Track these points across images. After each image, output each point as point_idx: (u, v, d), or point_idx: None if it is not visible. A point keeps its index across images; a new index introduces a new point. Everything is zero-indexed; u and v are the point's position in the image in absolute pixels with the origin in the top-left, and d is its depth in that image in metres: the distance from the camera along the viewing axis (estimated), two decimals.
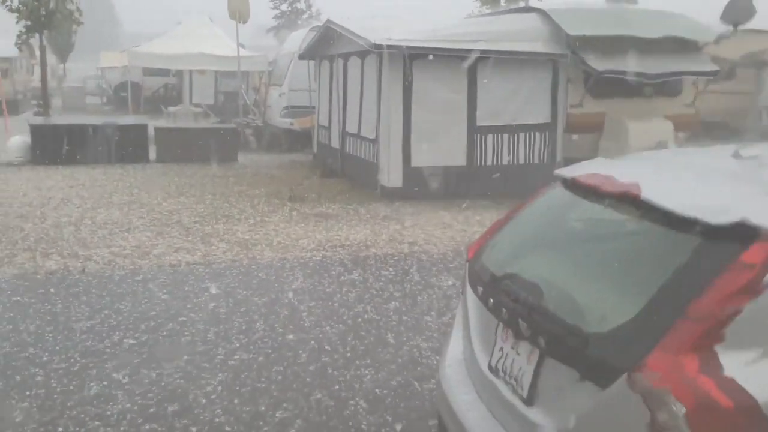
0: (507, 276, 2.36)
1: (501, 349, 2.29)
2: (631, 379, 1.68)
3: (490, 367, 2.33)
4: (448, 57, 9.48)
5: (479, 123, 9.95)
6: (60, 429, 3.50)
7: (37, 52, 17.92)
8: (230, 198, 9.76)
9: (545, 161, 10.18)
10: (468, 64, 9.60)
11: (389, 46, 9.31)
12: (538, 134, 10.31)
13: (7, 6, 15.81)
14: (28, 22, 16.05)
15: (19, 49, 18.47)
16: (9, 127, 16.00)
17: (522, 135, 10.22)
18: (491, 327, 2.38)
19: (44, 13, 15.98)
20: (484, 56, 9.59)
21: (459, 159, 9.94)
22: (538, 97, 10.21)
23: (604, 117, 10.32)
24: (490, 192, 9.39)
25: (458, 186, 9.72)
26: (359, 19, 11.94)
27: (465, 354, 2.60)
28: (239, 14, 15.75)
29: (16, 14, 16.00)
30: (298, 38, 16.15)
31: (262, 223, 8.25)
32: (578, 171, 2.44)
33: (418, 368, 4.28)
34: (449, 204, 9.26)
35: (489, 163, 10.08)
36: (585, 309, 2.01)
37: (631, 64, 9.66)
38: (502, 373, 2.25)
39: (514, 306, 2.20)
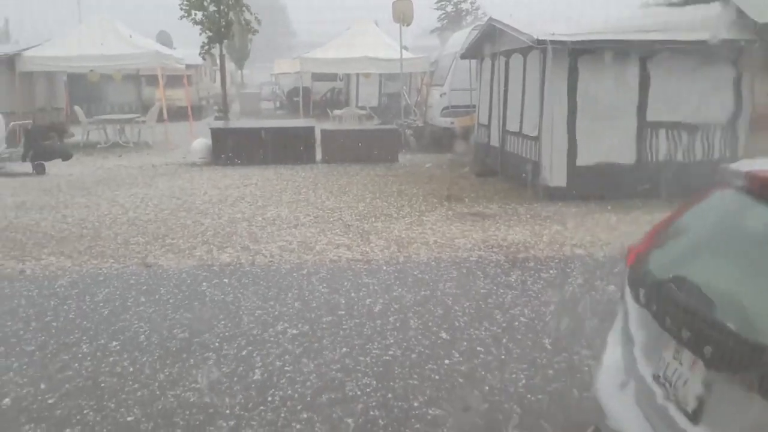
0: (671, 281, 2.17)
1: (663, 358, 2.11)
2: None
3: (651, 377, 2.16)
4: (616, 50, 9.03)
5: (650, 118, 9.39)
6: (227, 411, 3.72)
7: (218, 61, 19.32)
8: (389, 197, 9.95)
9: (726, 159, 9.39)
10: (639, 57, 9.09)
11: (553, 41, 9.03)
12: (718, 130, 9.54)
13: (191, 19, 17.21)
14: (210, 33, 17.35)
15: (203, 58, 20.02)
16: (194, 130, 17.43)
17: (699, 131, 9.51)
18: (653, 335, 2.20)
19: (224, 24, 17.20)
20: (657, 48, 9.03)
21: (628, 156, 9.43)
22: (719, 90, 9.43)
23: None
24: (663, 191, 8.80)
25: (627, 185, 9.21)
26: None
27: (624, 362, 2.44)
28: (403, 17, 16.01)
29: (199, 26, 17.37)
30: (461, 38, 16.14)
31: (419, 221, 8.32)
32: (753, 167, 2.20)
33: (577, 375, 4.09)
34: (617, 204, 8.82)
35: (661, 160, 9.48)
36: (758, 317, 1.80)
37: None
38: (664, 385, 2.07)
39: (678, 313, 2.02)
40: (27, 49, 17.36)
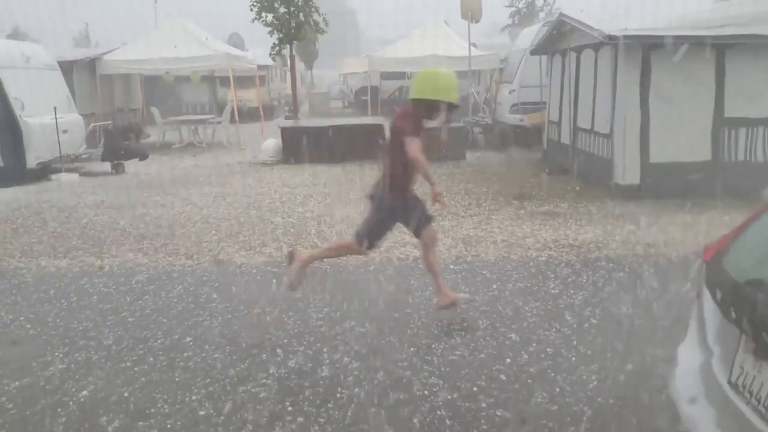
0: (751, 283, 2.07)
1: (742, 363, 2.02)
2: None
3: (729, 383, 2.07)
4: (691, 45, 8.71)
5: (727, 115, 9.01)
6: (296, 408, 3.76)
7: (289, 62, 19.63)
8: (456, 195, 9.88)
9: None
10: (715, 52, 8.75)
11: (625, 37, 8.79)
12: None
13: (262, 21, 17.54)
14: (281, 35, 17.65)
15: (273, 59, 20.38)
16: (265, 130, 17.77)
17: None
18: (731, 338, 2.10)
19: (294, 25, 17.46)
20: (734, 42, 8.67)
21: (703, 154, 9.09)
22: None
23: None
24: (740, 190, 8.42)
25: (702, 183, 8.87)
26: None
27: (700, 366, 2.34)
28: (471, 14, 15.89)
29: (270, 28, 17.69)
30: (530, 35, 15.91)
31: (487, 220, 8.24)
32: None
33: (650, 378, 3.96)
34: (692, 203, 8.49)
35: (740, 158, 9.09)
36: None
37: None
38: (743, 392, 1.98)
39: (758, 317, 1.92)
40: (107, 52, 18.10)
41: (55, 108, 12.46)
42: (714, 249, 2.48)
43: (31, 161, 12.28)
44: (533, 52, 13.95)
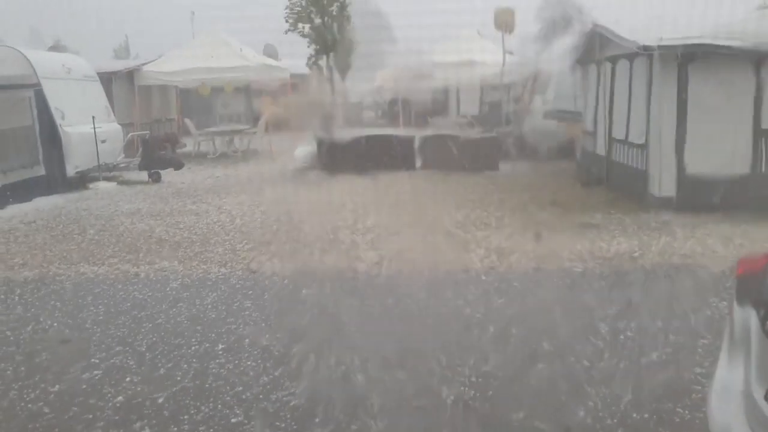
0: None
1: None
2: None
3: (764, 398, 2.03)
4: (728, 56, 8.57)
5: (766, 126, 8.83)
6: (324, 417, 3.78)
7: (325, 72, 19.81)
8: (489, 206, 9.83)
9: None
10: (753, 62, 8.60)
11: (660, 47, 8.69)
12: None
13: (299, 31, 17.73)
14: (317, 46, 17.82)
15: (310, 69, 20.57)
16: (300, 139, 17.90)
17: None
18: (766, 353, 2.06)
19: (330, 37, 17.63)
20: None
21: (741, 166, 8.89)
22: None
23: None
24: None
25: (740, 196, 8.69)
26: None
27: (737, 382, 2.30)
28: (505, 25, 15.89)
29: (307, 39, 17.88)
30: (561, 45, 15.81)
31: (520, 231, 8.17)
32: None
33: (687, 394, 3.90)
34: (729, 216, 8.33)
35: None
36: None
37: None
38: None
39: None
40: (144, 64, 18.42)
41: (93, 117, 12.72)
42: (748, 263, 2.44)
43: (71, 170, 12.55)
44: (576, 62, 13.81)
